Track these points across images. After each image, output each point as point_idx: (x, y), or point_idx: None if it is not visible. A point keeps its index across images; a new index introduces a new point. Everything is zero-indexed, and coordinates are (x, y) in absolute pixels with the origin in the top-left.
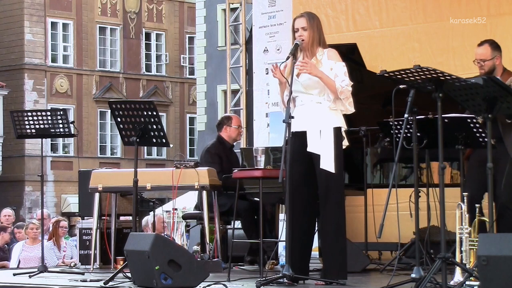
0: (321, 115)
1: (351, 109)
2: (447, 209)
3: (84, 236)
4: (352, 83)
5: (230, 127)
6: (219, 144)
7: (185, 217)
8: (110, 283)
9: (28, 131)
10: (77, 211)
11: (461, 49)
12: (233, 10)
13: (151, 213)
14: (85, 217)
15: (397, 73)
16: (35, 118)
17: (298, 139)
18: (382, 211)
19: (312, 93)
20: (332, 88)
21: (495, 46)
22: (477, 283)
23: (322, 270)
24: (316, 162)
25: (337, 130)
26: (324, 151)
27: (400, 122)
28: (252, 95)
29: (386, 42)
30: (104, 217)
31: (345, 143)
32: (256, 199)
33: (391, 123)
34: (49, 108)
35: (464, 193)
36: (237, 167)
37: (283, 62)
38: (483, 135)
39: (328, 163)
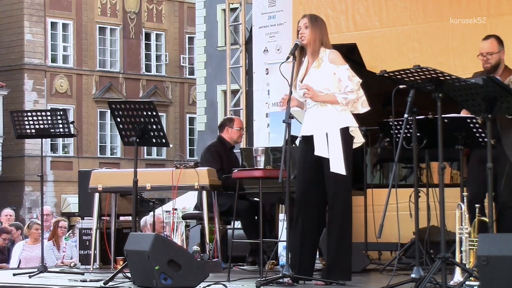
0: (327, 117)
1: (364, 110)
2: (447, 209)
3: (84, 236)
4: (360, 81)
5: (232, 128)
6: (220, 144)
7: (185, 217)
8: (110, 283)
9: (28, 131)
10: (77, 211)
11: (461, 49)
12: (233, 10)
13: (150, 213)
14: (85, 217)
15: (397, 73)
16: (35, 118)
17: (306, 144)
18: (382, 211)
19: None
20: (335, 104)
21: (500, 41)
22: (477, 283)
23: (323, 270)
24: (325, 165)
25: (345, 131)
26: (333, 154)
27: (400, 122)
28: (252, 95)
29: (386, 42)
30: (104, 217)
31: (360, 140)
32: (256, 199)
33: (391, 123)
34: (49, 108)
35: (464, 193)
36: (237, 168)
37: (283, 63)
38: (483, 135)
39: (338, 166)
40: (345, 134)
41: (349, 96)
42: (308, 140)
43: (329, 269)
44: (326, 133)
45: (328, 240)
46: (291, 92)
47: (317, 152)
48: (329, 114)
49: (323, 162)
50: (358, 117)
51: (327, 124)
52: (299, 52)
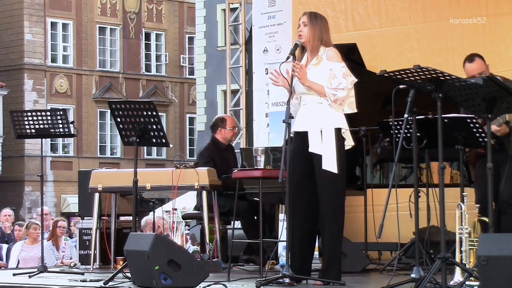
0: (322, 115)
1: (349, 111)
2: (447, 209)
3: (84, 236)
4: (355, 81)
5: (224, 129)
6: (213, 146)
7: (185, 217)
8: (110, 283)
9: (28, 131)
10: (77, 211)
11: (460, 49)
12: (233, 10)
13: (151, 213)
14: (85, 217)
15: (397, 73)
16: (34, 118)
17: (299, 139)
18: (382, 211)
19: (313, 93)
20: (322, 95)
21: (482, 57)
22: (477, 283)
23: (320, 270)
24: (317, 162)
25: (338, 131)
26: (326, 152)
27: (400, 122)
28: (252, 95)
29: (386, 42)
30: (104, 217)
31: (351, 143)
32: (256, 199)
33: (391, 123)
34: (49, 108)
35: (464, 193)
36: (235, 165)
37: (283, 63)
38: (483, 135)
39: (330, 164)
40: (338, 134)
41: (338, 93)
42: (301, 136)
43: (323, 270)
44: (321, 130)
45: (321, 240)
46: (291, 92)
47: (311, 149)
48: (325, 112)
49: (316, 159)
50: (358, 116)
51: (322, 122)
52: (300, 50)
